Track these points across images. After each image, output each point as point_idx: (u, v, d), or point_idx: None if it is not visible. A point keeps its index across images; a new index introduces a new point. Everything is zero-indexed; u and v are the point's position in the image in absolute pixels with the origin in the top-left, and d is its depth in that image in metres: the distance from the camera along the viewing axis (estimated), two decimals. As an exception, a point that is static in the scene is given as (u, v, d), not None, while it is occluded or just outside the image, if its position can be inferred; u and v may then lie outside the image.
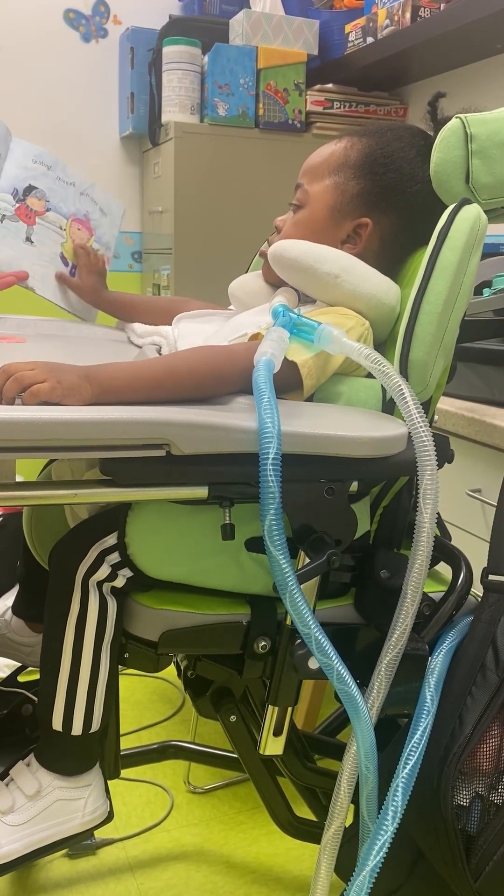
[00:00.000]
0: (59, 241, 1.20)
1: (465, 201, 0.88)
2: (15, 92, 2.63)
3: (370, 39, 2.26)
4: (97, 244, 1.27)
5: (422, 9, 2.07)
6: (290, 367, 0.83)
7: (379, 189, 1.00)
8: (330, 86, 2.48)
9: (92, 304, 1.27)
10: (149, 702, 1.87)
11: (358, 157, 1.01)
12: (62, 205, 1.22)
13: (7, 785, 0.92)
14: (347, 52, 2.38)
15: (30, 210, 1.17)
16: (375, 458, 0.77)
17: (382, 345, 0.98)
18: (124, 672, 1.88)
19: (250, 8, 2.47)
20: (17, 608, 1.22)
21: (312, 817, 1.18)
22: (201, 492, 0.76)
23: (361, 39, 2.30)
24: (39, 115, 2.67)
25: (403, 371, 0.86)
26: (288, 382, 0.84)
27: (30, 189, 1.18)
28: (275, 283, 1.05)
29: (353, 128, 1.06)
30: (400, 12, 2.12)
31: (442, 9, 2.02)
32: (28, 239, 1.16)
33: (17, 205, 1.17)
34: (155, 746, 1.47)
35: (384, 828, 0.77)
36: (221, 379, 0.83)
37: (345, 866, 0.87)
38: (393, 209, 1.00)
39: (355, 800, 0.84)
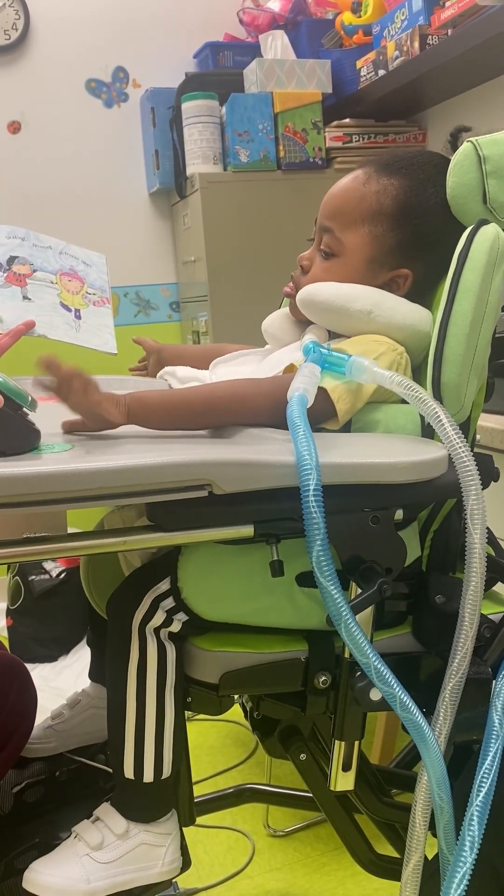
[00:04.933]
0: (55, 292, 1.24)
1: (483, 222, 0.88)
2: (44, 161, 2.75)
3: (382, 72, 2.30)
4: (91, 288, 1.30)
5: (430, 36, 2.11)
6: (321, 394, 0.84)
7: (417, 240, 0.98)
8: (347, 120, 2.53)
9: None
10: (222, 746, 1.86)
11: (394, 205, 0.98)
12: (46, 265, 1.26)
13: (94, 823, 0.93)
14: (361, 86, 2.42)
15: (17, 275, 1.22)
16: (417, 482, 0.77)
17: (417, 369, 0.99)
18: (195, 718, 1.90)
19: (262, 57, 2.54)
20: (92, 673, 1.24)
21: (395, 854, 1.15)
22: (247, 530, 0.77)
23: (373, 73, 2.35)
24: (70, 181, 2.78)
25: (437, 394, 0.86)
26: (322, 412, 0.85)
27: (12, 259, 1.23)
28: (304, 320, 1.07)
29: (372, 158, 1.03)
30: (409, 42, 2.15)
31: (449, 34, 2.04)
32: (25, 297, 1.21)
33: (5, 274, 1.22)
34: (231, 790, 1.45)
35: (462, 859, 0.75)
36: (244, 408, 0.87)
37: (430, 902, 0.85)
38: (429, 254, 0.99)
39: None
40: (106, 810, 0.93)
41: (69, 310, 1.25)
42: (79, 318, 1.27)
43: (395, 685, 0.74)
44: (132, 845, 0.91)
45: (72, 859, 0.89)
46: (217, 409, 0.88)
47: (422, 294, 1.00)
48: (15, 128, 2.71)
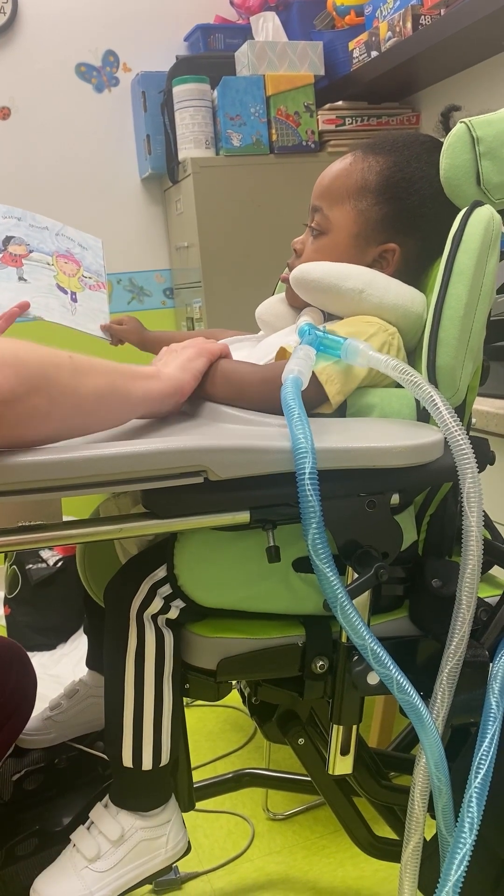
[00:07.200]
0: (51, 274, 1.23)
1: (477, 203, 0.87)
2: (35, 147, 2.72)
3: (374, 53, 2.28)
4: (87, 272, 1.30)
5: (422, 17, 2.08)
6: (311, 379, 0.83)
7: (402, 213, 0.99)
8: (340, 103, 2.50)
9: (136, 346, 1.30)
10: (221, 731, 1.87)
11: (378, 180, 0.99)
12: (42, 246, 1.26)
13: (89, 829, 0.93)
14: (354, 68, 2.40)
15: (14, 255, 1.21)
16: (413, 466, 0.77)
17: (412, 353, 0.98)
18: (194, 703, 1.90)
19: (254, 39, 2.51)
20: (90, 661, 1.24)
21: (394, 836, 1.16)
22: (243, 516, 0.77)
23: (366, 54, 2.32)
24: (60, 166, 2.75)
25: (432, 378, 0.86)
26: (313, 396, 0.84)
27: (8, 239, 1.22)
28: (299, 306, 1.06)
29: (362, 141, 1.05)
30: (401, 23, 2.13)
31: (442, 14, 2.02)
32: (21, 278, 1.20)
33: (1, 254, 1.21)
34: (230, 775, 1.46)
35: (462, 840, 0.76)
36: (239, 394, 0.88)
37: (429, 883, 0.86)
38: (417, 230, 0.99)
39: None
40: (99, 814, 0.93)
41: (65, 292, 1.24)
42: (75, 300, 1.26)
43: (393, 667, 0.75)
44: (130, 846, 0.91)
45: (71, 874, 0.89)
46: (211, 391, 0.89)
47: (415, 276, 1.00)
48: (4, 113, 2.68)
